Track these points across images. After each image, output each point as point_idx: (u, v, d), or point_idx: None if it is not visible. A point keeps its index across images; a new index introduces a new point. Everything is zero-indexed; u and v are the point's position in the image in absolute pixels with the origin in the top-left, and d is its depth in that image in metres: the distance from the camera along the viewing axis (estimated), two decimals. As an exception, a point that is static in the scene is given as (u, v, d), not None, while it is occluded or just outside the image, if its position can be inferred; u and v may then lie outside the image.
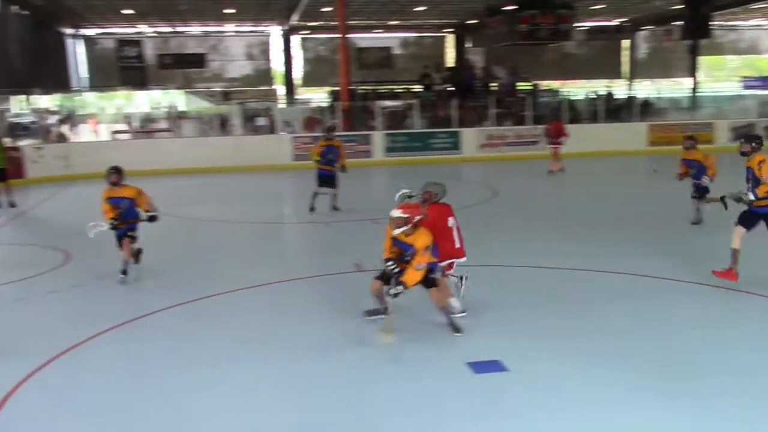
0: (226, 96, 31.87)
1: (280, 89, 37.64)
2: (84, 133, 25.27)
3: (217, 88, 36.15)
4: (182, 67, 36.65)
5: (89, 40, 36.92)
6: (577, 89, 34.14)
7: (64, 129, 24.22)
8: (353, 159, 21.52)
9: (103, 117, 28.02)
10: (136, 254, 9.40)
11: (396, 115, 24.60)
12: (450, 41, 40.11)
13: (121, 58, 35.67)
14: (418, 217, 6.91)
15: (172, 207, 15.33)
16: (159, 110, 29.43)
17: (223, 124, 23.88)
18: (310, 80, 38.78)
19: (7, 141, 18.50)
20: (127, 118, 26.47)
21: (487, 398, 5.78)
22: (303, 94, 37.63)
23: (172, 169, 20.04)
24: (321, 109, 26.79)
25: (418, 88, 28.20)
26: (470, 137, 22.75)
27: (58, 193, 17.13)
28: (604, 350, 6.65)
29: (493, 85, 28.81)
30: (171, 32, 36.29)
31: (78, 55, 36.44)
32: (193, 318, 8.00)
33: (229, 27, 37.04)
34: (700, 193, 11.60)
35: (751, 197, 8.22)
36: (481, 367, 6.32)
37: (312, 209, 13.70)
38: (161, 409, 5.74)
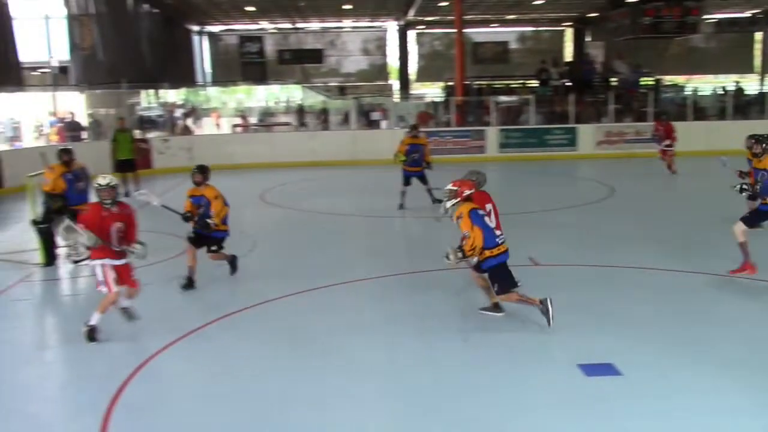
0: (342, 91, 32.36)
1: (395, 84, 37.86)
2: (207, 126, 26.29)
3: (334, 83, 36.75)
4: (301, 62, 37.48)
5: (213, 37, 38.37)
6: (704, 84, 32.53)
7: (189, 122, 25.29)
8: (466, 155, 21.47)
9: (224, 111, 29.10)
10: (231, 261, 9.33)
11: (511, 111, 24.25)
12: (568, 35, 39.13)
13: (243, 53, 36.85)
14: (467, 192, 7.27)
15: (289, 199, 15.74)
16: (278, 104, 30.27)
17: (346, 119, 24.18)
18: (424, 75, 38.80)
19: (137, 133, 19.51)
20: (241, 112, 27.30)
21: (598, 401, 5.60)
22: (417, 89, 37.70)
23: (289, 162, 20.55)
24: (435, 104, 26.77)
25: (534, 83, 27.68)
26: (587, 134, 22.13)
27: (182, 183, 17.86)
28: (723, 359, 6.31)
29: (613, 80, 27.90)
30: (290, 28, 37.16)
31: (203, 51, 37.94)
32: (305, 307, 8.16)
33: (347, 23, 37.56)
34: None
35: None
36: (593, 369, 6.14)
37: (401, 206, 13.68)
38: (272, 397, 5.88)
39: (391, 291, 8.68)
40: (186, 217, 8.77)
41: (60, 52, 24.53)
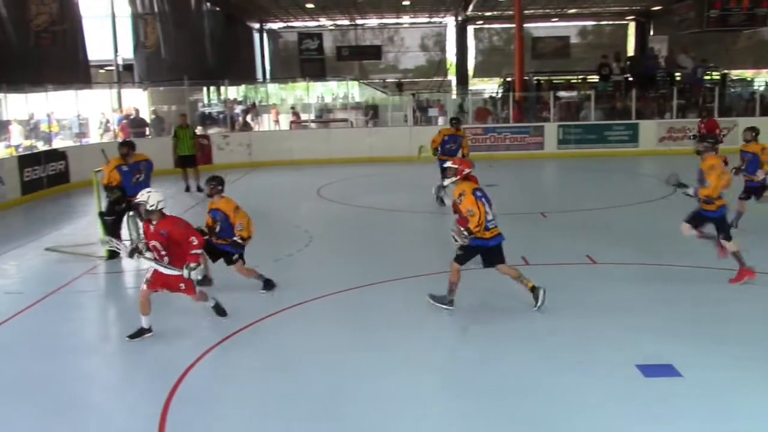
0: (399, 87, 32.38)
1: (453, 80, 37.69)
2: (266, 123, 26.62)
3: (392, 79, 36.79)
4: (359, 58, 37.67)
5: (273, 34, 38.84)
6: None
7: (248, 118, 25.66)
8: (524, 151, 21.26)
9: (283, 107, 29.41)
10: (266, 282, 8.57)
11: (570, 107, 23.90)
12: (631, 29, 38.34)
13: (302, 50, 37.21)
14: (467, 170, 7.54)
15: (345, 195, 15.82)
16: (336, 101, 30.45)
17: (408, 116, 24.14)
18: (482, 71, 38.52)
19: (198, 129, 19.88)
20: (293, 108, 27.50)
21: (657, 402, 5.49)
22: (475, 84, 37.47)
23: (345, 158, 20.66)
24: (493, 100, 26.56)
25: (594, 78, 27.21)
26: (649, 129, 21.66)
27: (241, 178, 18.17)
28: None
29: (677, 75, 27.23)
30: (349, 25, 37.35)
31: (263, 49, 38.43)
32: (362, 302, 8.20)
33: (405, 19, 37.55)
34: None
35: None
36: (652, 370, 6.02)
37: (442, 202, 13.57)
38: (330, 391, 5.93)
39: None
40: (203, 232, 8.10)
41: (125, 50, 25.14)
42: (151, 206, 6.86)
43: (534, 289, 7.50)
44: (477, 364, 6.35)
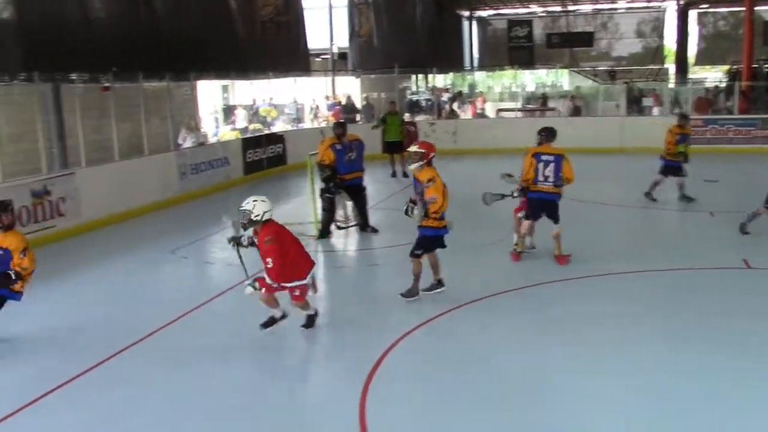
0: (611, 75, 31.06)
1: (671, 68, 35.53)
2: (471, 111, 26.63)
3: (603, 67, 35.38)
4: (570, 45, 36.54)
5: (482, 22, 38.71)
6: None
7: (455, 106, 25.81)
8: (750, 145, 19.57)
9: (489, 95, 29.27)
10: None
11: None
12: None
13: (511, 38, 36.78)
14: (432, 155, 7.75)
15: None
16: (544, 89, 29.82)
17: (620, 106, 23.16)
18: (705, 58, 35.92)
19: (406, 116, 20.31)
20: (482, 95, 27.16)
21: None
22: (696, 73, 35.07)
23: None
24: (717, 90, 24.72)
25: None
26: None
27: (446, 164, 18.32)
28: None
29: None
30: (561, 11, 36.37)
31: (471, 37, 38.45)
32: (562, 296, 7.99)
33: (621, 4, 35.94)
34: None
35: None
36: None
37: (652, 198, 12.78)
38: (520, 374, 5.84)
39: (646, 288, 8.22)
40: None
41: (340, 39, 26.26)
42: (256, 216, 6.52)
43: (439, 282, 7.86)
44: (674, 373, 5.94)
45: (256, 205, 6.51)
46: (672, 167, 12.74)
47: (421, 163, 7.65)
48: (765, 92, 21.89)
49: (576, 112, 23.09)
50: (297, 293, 6.77)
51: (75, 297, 8.53)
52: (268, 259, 6.43)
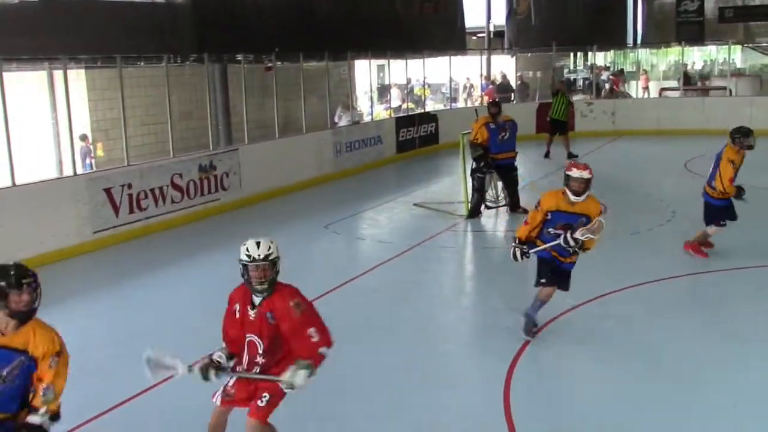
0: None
1: None
2: (633, 90, 25.50)
3: (783, 42, 32.67)
4: (745, 20, 33.97)
5: (649, -4, 36.81)
6: None
7: (623, 86, 24.78)
8: None
9: (653, 74, 27.85)
10: None
11: None
12: None
13: (680, 12, 34.69)
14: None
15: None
16: (714, 67, 28.02)
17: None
18: None
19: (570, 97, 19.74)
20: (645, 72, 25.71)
21: None
22: None
23: (722, 129, 18.88)
24: None
25: None
26: None
27: (602, 146, 17.72)
28: None
29: None
30: (736, -17, 33.88)
31: (636, 12, 36.67)
32: (722, 288, 7.56)
33: (806, -27, 32.96)
34: None
35: None
36: None
37: None
38: (677, 371, 5.58)
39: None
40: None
41: (497, 17, 25.87)
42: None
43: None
44: None
45: (272, 246, 4.07)
46: None
47: (586, 194, 5.96)
48: None
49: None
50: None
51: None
52: (311, 330, 3.99)
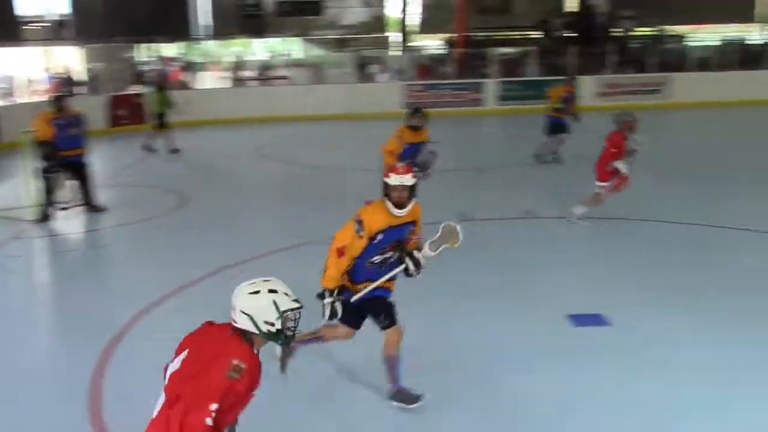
0: (341, 44, 31.99)
1: (394, 37, 37.32)
2: (204, 81, 26.07)
3: (333, 35, 36.27)
4: (299, 14, 36.87)
5: (212, -12, 37.71)
6: (708, 35, 31.95)
7: (186, 77, 25.06)
8: (464, 107, 21.32)
9: (222, 65, 28.80)
10: None
11: (511, 63, 23.99)
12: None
13: (241, 6, 36.28)
14: None
15: (283, 153, 15.73)
16: (276, 58, 29.96)
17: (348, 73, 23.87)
18: (428, 27, 38.15)
19: (138, 88, 19.30)
20: (228, 66, 26.91)
21: (583, 350, 5.69)
22: (420, 41, 37.18)
23: (286, 116, 20.37)
24: (436, 57, 26.53)
25: (536, 34, 27.32)
26: (588, 85, 21.86)
27: (178, 138, 17.84)
28: (715, 310, 6.38)
29: (616, 31, 27.48)
30: (288, -20, 36.52)
31: (200, 4, 37.29)
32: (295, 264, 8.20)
33: (346, -27, 36.92)
34: None
35: None
36: (581, 320, 6.23)
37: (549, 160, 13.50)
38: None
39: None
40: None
41: (59, 4, 24.22)
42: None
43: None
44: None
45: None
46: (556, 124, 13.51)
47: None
48: (476, 59, 23.87)
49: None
50: None
51: None
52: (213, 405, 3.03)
